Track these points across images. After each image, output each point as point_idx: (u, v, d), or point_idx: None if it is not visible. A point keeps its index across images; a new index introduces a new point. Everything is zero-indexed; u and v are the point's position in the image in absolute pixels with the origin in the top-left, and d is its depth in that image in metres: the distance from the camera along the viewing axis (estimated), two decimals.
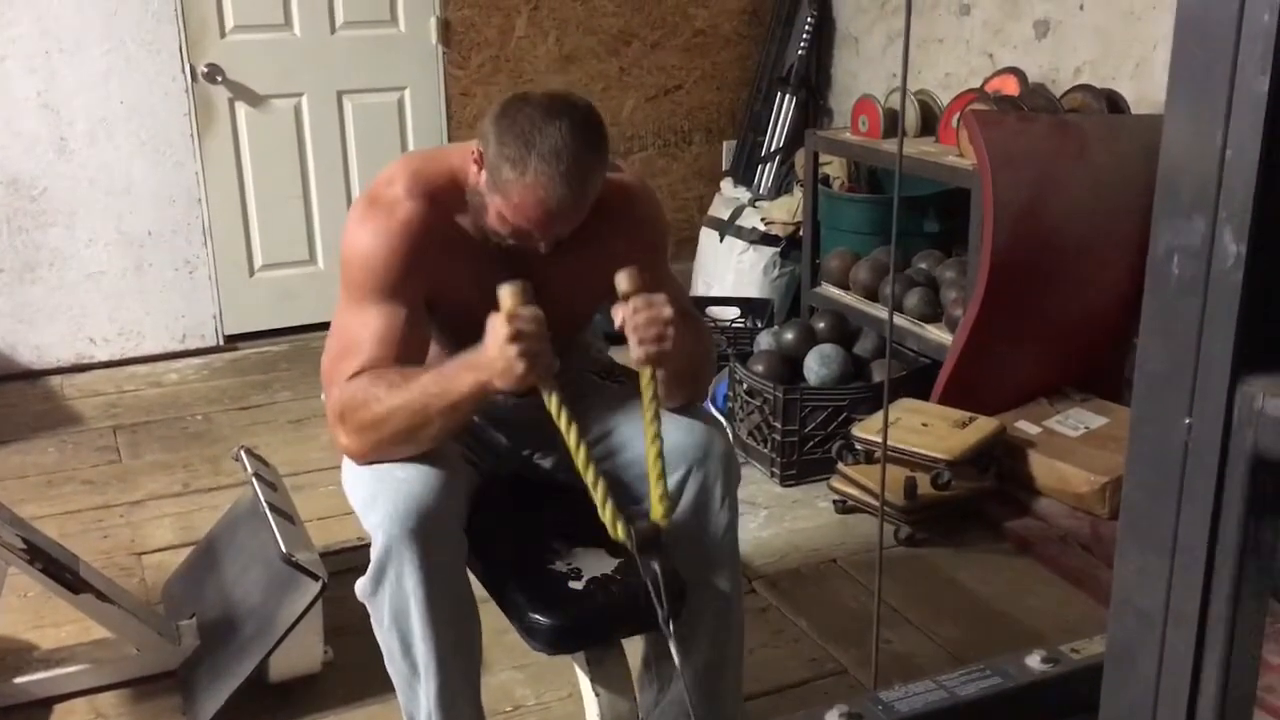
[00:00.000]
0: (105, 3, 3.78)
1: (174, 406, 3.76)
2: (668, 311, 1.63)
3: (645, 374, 1.65)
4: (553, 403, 1.60)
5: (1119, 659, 0.76)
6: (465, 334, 1.71)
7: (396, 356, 1.69)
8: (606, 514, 1.56)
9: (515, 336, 1.54)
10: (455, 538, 1.70)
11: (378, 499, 1.65)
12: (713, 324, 3.82)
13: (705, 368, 1.92)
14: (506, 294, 1.59)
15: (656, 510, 1.59)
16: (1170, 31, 0.67)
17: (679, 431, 1.76)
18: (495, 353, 1.56)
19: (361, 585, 1.69)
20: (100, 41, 3.81)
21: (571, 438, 1.59)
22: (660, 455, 1.61)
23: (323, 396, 1.78)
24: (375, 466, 1.70)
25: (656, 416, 1.63)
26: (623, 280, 1.65)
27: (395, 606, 1.67)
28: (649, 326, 1.62)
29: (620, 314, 1.64)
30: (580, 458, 1.58)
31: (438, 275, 1.74)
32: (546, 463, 1.94)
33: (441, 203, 1.75)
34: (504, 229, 1.70)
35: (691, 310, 1.96)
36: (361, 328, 1.71)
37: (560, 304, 1.78)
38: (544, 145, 1.60)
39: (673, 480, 1.73)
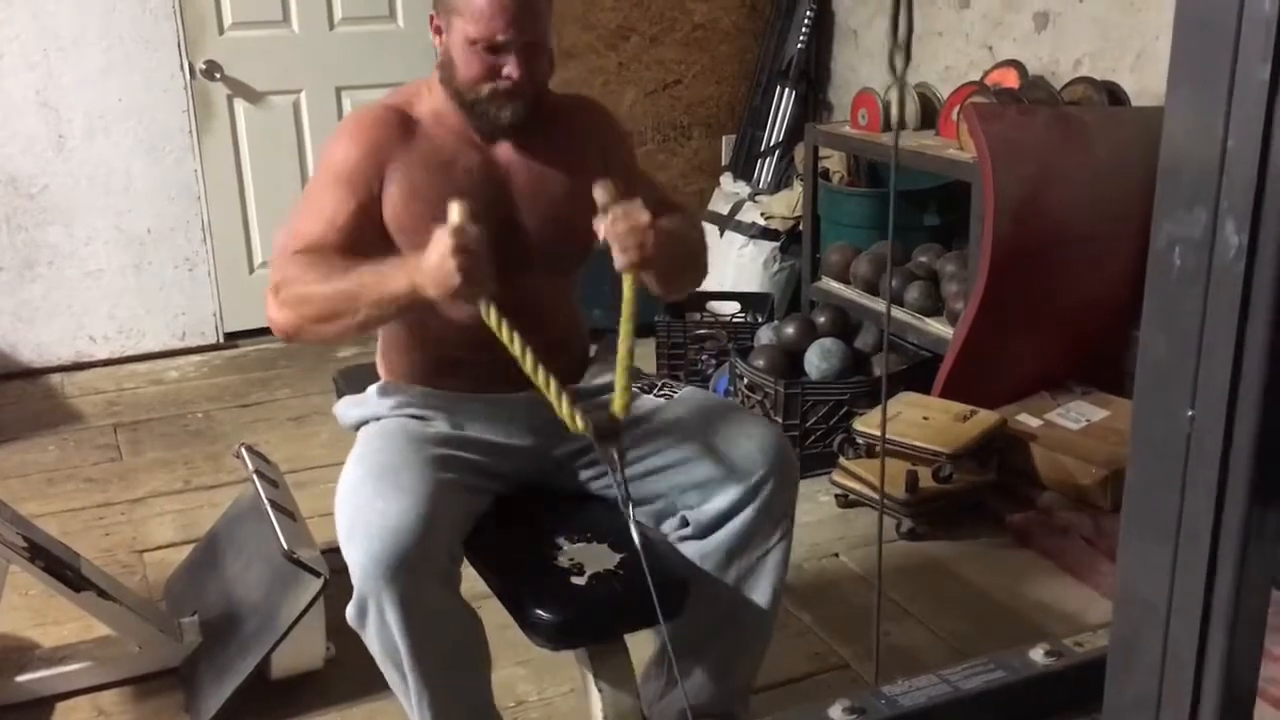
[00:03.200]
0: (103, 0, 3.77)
1: (174, 404, 3.76)
2: (644, 218, 1.64)
3: (628, 279, 1.67)
4: (491, 316, 1.59)
5: (1122, 651, 0.76)
6: (421, 241, 1.70)
7: (343, 243, 1.70)
8: (564, 409, 1.56)
9: (458, 249, 1.54)
10: (439, 572, 1.65)
11: (354, 533, 1.61)
12: (713, 319, 3.82)
13: (699, 255, 1.94)
14: (455, 209, 1.59)
15: (618, 403, 1.61)
16: (1171, 23, 0.67)
17: (750, 440, 1.78)
18: (435, 260, 1.56)
19: (349, 614, 1.65)
20: (98, 39, 3.80)
21: (516, 345, 1.58)
22: (630, 353, 1.63)
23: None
24: (355, 493, 1.66)
25: (632, 317, 1.65)
26: (599, 193, 1.66)
27: (382, 641, 1.64)
28: (629, 235, 1.63)
29: (602, 227, 1.65)
30: (528, 362, 1.58)
31: (404, 179, 1.75)
32: (569, 455, 1.89)
33: (413, 113, 1.80)
34: (475, 61, 1.72)
35: (673, 202, 1.96)
36: (314, 212, 1.74)
37: (541, 215, 1.81)
38: None
39: (737, 490, 1.75)
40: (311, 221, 1.74)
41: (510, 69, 1.72)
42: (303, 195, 1.81)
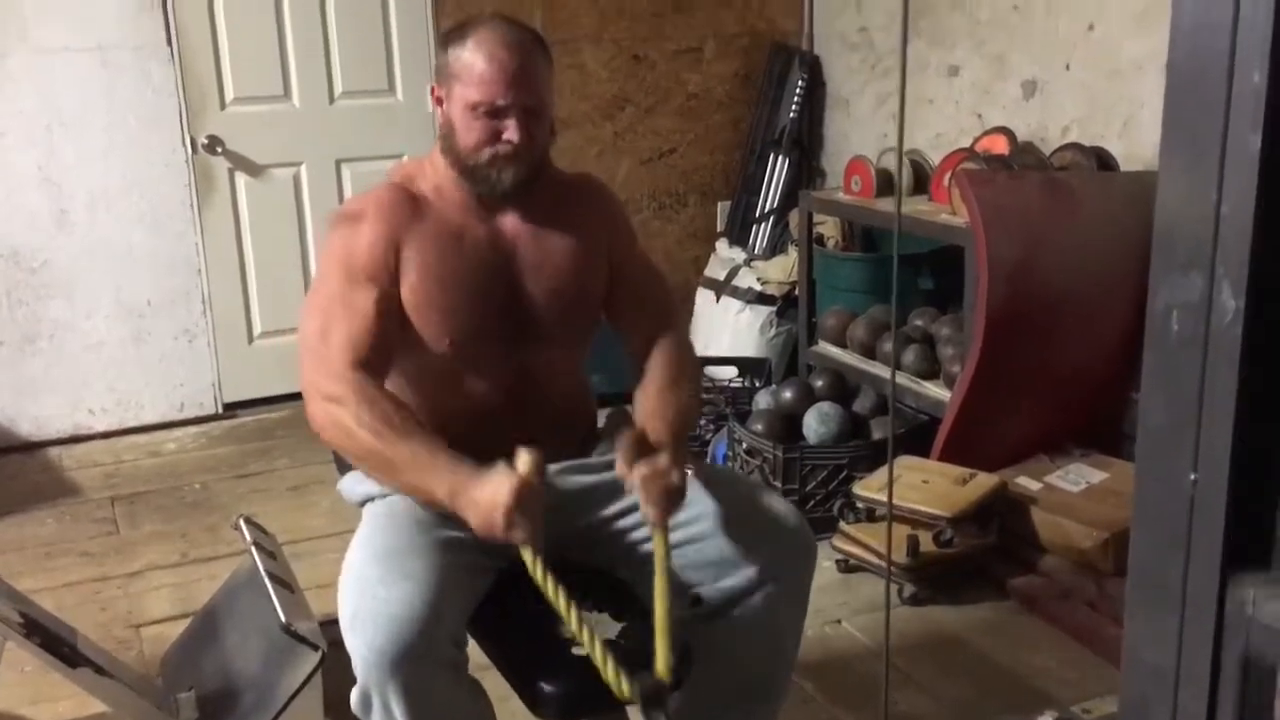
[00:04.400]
0: (106, 77, 3.83)
1: (172, 476, 3.75)
2: (675, 478, 1.66)
3: (658, 535, 1.66)
4: (537, 569, 1.58)
5: (1132, 718, 0.75)
6: (434, 318, 1.75)
7: (380, 339, 1.72)
8: (609, 672, 1.52)
9: (519, 508, 1.55)
10: (445, 660, 1.62)
11: (357, 621, 1.58)
12: (710, 384, 3.83)
13: (693, 362, 1.97)
14: (524, 459, 1.60)
15: (660, 665, 1.55)
16: (1157, 90, 0.68)
17: (768, 521, 1.76)
18: (487, 504, 1.57)
19: (353, 702, 1.62)
20: (101, 115, 3.85)
21: (561, 602, 1.56)
22: (669, 612, 1.59)
23: (304, 400, 1.75)
24: (360, 578, 1.63)
25: (667, 571, 1.63)
26: (621, 449, 1.67)
27: None
28: (663, 497, 1.65)
29: (628, 476, 1.66)
30: (573, 621, 1.55)
31: (418, 257, 1.75)
32: (577, 531, 1.86)
33: (416, 190, 1.81)
34: (476, 126, 1.73)
35: (667, 303, 1.99)
36: (352, 314, 1.73)
37: (548, 284, 1.81)
38: (483, 21, 1.76)
39: (752, 571, 1.72)
40: (352, 324, 1.73)
41: (510, 133, 1.73)
42: (324, 282, 1.78)
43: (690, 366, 1.92)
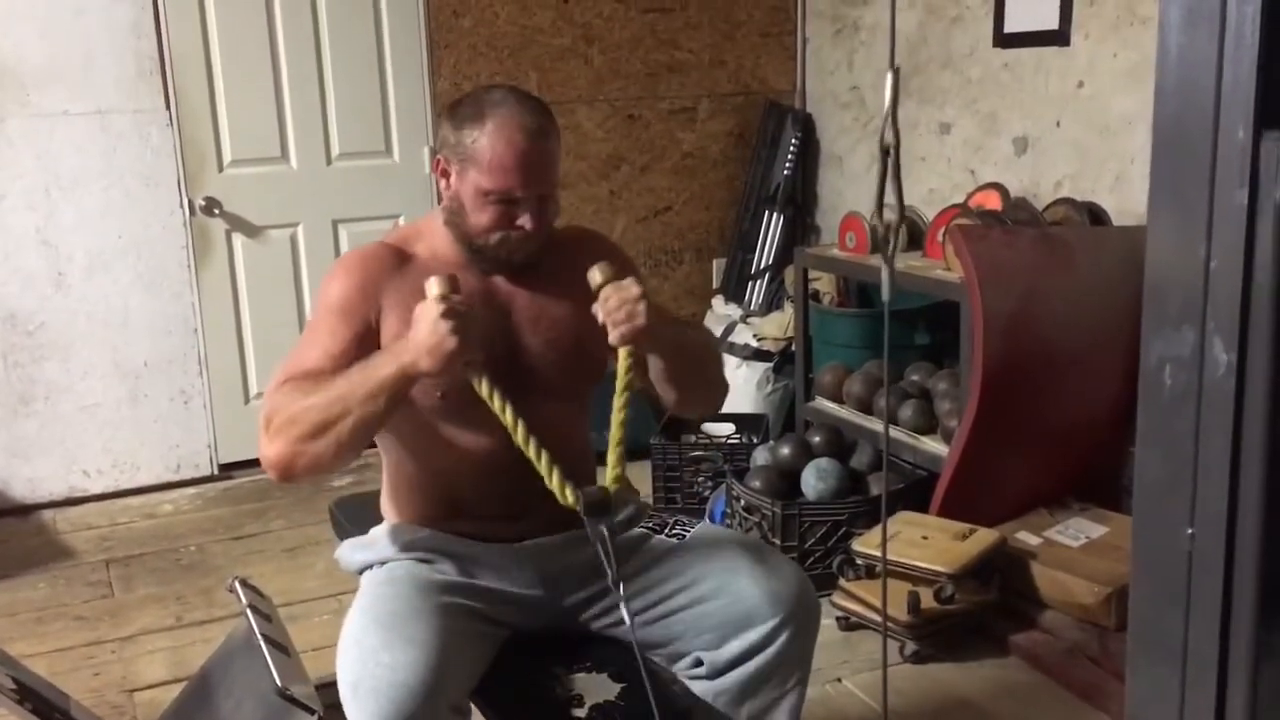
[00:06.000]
0: (105, 140, 3.86)
1: (167, 538, 3.72)
2: (635, 290, 1.64)
3: (624, 354, 1.66)
4: (483, 387, 1.60)
5: None
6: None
7: (337, 370, 1.67)
8: (554, 481, 1.57)
9: (449, 313, 1.55)
10: None
11: (360, 689, 1.55)
12: (708, 440, 3.82)
13: (707, 359, 1.95)
14: (435, 282, 1.60)
15: (609, 475, 1.60)
16: (1147, 145, 0.69)
17: (770, 583, 1.74)
18: (426, 330, 1.56)
19: None
20: (100, 178, 3.87)
21: (508, 416, 1.60)
22: (623, 425, 1.63)
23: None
24: (360, 643, 1.61)
25: (626, 389, 1.65)
26: (595, 274, 1.67)
27: None
28: (619, 308, 1.63)
29: (599, 309, 1.65)
30: (520, 433, 1.58)
31: (402, 308, 1.72)
32: (580, 603, 1.85)
33: (409, 249, 1.81)
34: (488, 211, 1.72)
35: (682, 321, 1.97)
36: (310, 344, 1.73)
37: (545, 339, 1.80)
38: (496, 96, 1.73)
39: (755, 634, 1.71)
40: (307, 352, 1.73)
41: (524, 220, 1.72)
42: (301, 335, 1.81)
43: (711, 349, 1.95)
